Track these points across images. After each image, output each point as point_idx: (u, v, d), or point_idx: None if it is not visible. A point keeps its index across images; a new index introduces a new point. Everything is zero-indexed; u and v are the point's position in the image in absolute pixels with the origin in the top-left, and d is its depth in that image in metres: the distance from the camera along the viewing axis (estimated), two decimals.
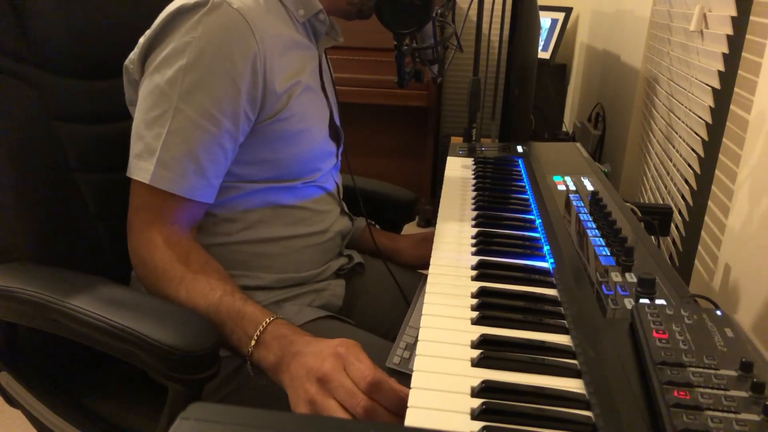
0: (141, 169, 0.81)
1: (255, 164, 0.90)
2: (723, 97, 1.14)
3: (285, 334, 0.74)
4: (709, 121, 1.20)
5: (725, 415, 0.47)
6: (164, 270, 0.80)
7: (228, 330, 0.76)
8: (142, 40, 0.86)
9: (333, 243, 1.04)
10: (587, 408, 0.53)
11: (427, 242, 1.19)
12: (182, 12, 0.81)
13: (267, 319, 0.75)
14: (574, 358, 0.60)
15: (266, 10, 0.87)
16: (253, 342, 0.74)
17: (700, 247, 1.11)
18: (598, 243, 0.80)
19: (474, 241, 0.85)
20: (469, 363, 0.59)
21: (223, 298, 0.77)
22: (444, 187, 1.10)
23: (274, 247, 0.95)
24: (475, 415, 0.51)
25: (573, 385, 0.56)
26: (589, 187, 1.02)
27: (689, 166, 1.28)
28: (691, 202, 1.28)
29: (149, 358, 0.72)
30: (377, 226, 1.25)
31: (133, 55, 0.87)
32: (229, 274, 0.84)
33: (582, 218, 0.89)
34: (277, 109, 0.87)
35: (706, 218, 1.09)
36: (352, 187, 1.13)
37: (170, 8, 0.83)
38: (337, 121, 1.06)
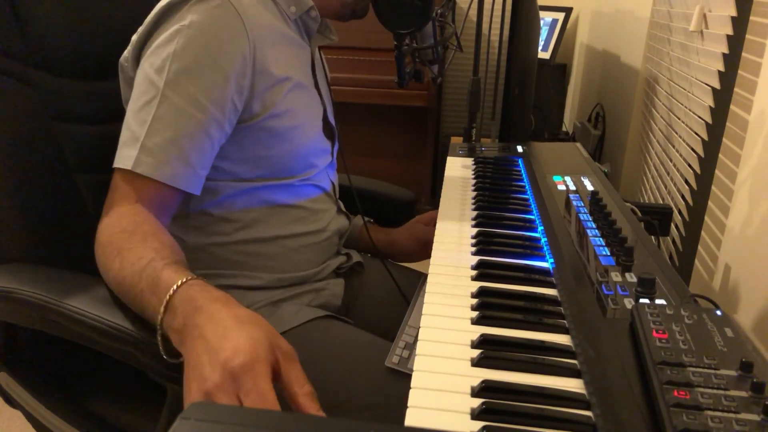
0: (124, 156, 0.80)
1: (249, 161, 0.90)
2: (723, 97, 1.14)
3: (193, 297, 0.62)
4: (709, 121, 1.20)
5: (725, 415, 0.47)
6: (109, 242, 0.75)
7: (146, 301, 0.66)
8: (135, 37, 0.86)
9: (330, 242, 1.04)
10: (587, 408, 0.53)
11: (420, 224, 1.19)
12: (174, 5, 0.82)
13: (180, 281, 0.64)
14: (574, 358, 0.60)
15: (258, 4, 0.87)
16: (162, 308, 0.63)
17: (700, 247, 1.11)
18: (598, 243, 0.80)
19: (474, 241, 0.85)
20: (469, 363, 0.59)
21: (148, 265, 0.68)
22: (444, 187, 1.10)
23: (272, 247, 0.95)
24: (475, 414, 0.51)
25: (573, 385, 0.56)
26: (589, 187, 1.02)
27: (689, 166, 1.28)
28: (691, 202, 1.28)
29: (148, 359, 0.72)
30: (372, 221, 1.25)
31: (127, 53, 0.87)
32: (214, 270, 0.83)
33: (582, 218, 0.89)
34: (268, 104, 0.87)
35: (706, 218, 1.09)
36: (348, 186, 1.13)
37: (162, 3, 0.83)
38: (331, 119, 1.06)
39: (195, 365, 0.56)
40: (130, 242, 0.72)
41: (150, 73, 0.81)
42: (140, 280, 0.67)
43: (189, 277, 0.65)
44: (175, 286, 0.63)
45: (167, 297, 0.62)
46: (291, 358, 0.57)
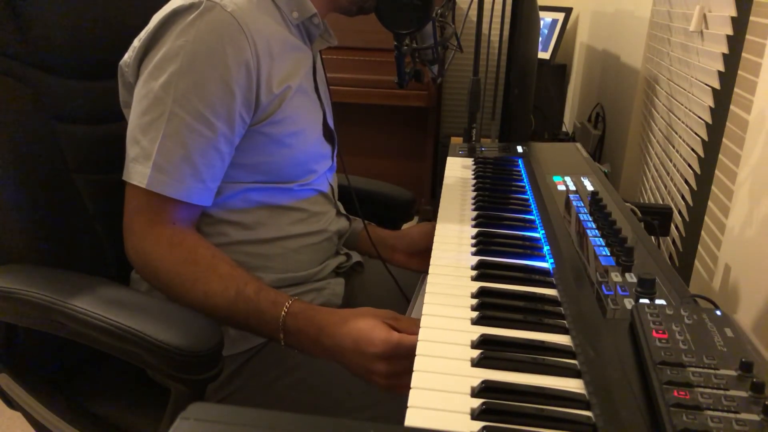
0: (137, 173, 0.81)
1: (250, 167, 0.90)
2: (723, 97, 1.14)
3: (311, 321, 0.79)
4: (709, 121, 1.20)
5: (725, 415, 0.47)
6: (176, 273, 0.82)
7: (253, 327, 0.82)
8: (137, 42, 0.86)
9: (330, 242, 1.04)
10: (587, 408, 0.53)
11: (417, 227, 1.19)
12: (177, 14, 0.81)
13: (282, 313, 0.79)
14: (574, 358, 0.60)
15: (260, 11, 0.87)
16: (281, 335, 0.80)
17: (700, 247, 1.11)
18: (598, 243, 0.81)
19: (474, 241, 0.85)
20: (469, 363, 0.59)
21: (239, 296, 0.80)
22: (444, 187, 1.10)
23: (272, 248, 0.95)
24: (475, 415, 0.51)
25: (573, 385, 0.56)
26: (589, 187, 1.02)
27: (689, 166, 1.28)
28: (691, 202, 1.28)
29: (153, 359, 0.72)
30: (372, 223, 1.25)
31: (128, 58, 0.87)
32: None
33: (582, 218, 0.89)
34: (270, 112, 0.87)
35: (706, 218, 1.09)
36: (348, 187, 1.13)
37: (165, 10, 0.83)
38: (331, 123, 1.06)
39: (351, 366, 0.76)
40: (201, 271, 0.82)
41: (156, 88, 0.81)
42: (237, 311, 0.80)
43: (285, 310, 0.79)
44: (281, 321, 0.79)
45: (281, 335, 0.79)
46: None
